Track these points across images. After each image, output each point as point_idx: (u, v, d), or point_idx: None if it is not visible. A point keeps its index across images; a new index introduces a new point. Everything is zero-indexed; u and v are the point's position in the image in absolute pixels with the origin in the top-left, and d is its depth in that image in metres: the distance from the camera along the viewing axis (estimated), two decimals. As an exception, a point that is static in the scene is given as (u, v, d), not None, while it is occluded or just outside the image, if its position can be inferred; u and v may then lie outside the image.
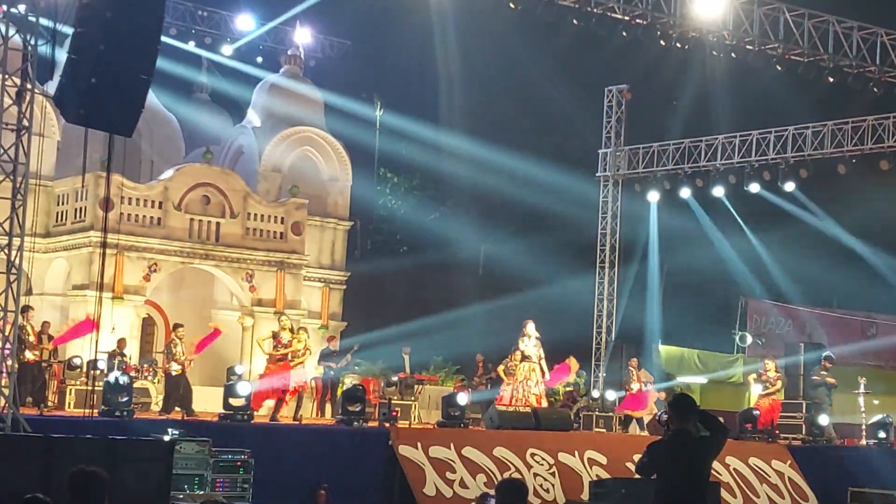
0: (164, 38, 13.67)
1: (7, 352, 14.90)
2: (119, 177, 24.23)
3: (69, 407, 18.91)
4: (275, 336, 20.61)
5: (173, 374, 20.24)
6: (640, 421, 23.56)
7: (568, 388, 26.18)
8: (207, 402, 20.47)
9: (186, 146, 31.08)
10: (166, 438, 13.97)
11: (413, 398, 23.00)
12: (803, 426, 23.27)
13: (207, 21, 32.71)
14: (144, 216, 25.85)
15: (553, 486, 18.12)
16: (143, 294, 25.71)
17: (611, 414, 23.59)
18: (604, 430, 22.46)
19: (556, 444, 18.79)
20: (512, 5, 23.38)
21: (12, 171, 14.90)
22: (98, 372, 18.55)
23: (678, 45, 24.76)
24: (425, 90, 37.42)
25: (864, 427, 24.43)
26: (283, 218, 27.69)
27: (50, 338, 20.64)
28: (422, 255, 38.46)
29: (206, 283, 27.95)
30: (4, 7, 15.62)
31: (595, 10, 23.77)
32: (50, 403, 19.05)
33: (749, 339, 33.68)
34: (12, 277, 14.80)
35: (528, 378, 21.37)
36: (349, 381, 22.77)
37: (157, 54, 11.94)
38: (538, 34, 32.05)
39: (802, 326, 35.09)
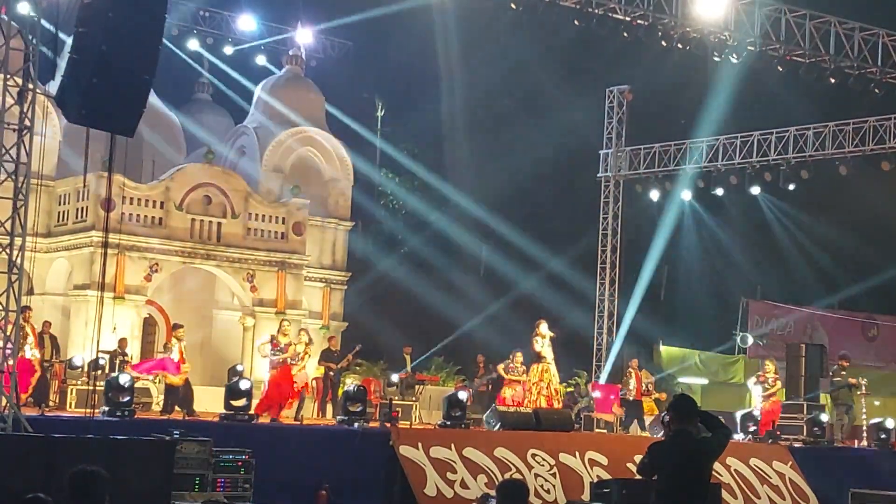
0: (165, 39, 13.67)
1: (9, 352, 14.89)
2: (120, 177, 24.23)
3: (70, 407, 18.92)
4: (272, 340, 20.60)
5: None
6: (641, 422, 23.55)
7: (569, 389, 26.20)
8: (208, 402, 20.48)
9: (188, 146, 31.09)
10: (167, 438, 13.97)
11: (414, 398, 23.01)
12: (804, 427, 23.25)
13: (209, 21, 32.73)
14: (146, 216, 25.86)
15: (554, 486, 18.11)
16: (145, 294, 25.72)
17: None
18: (605, 431, 22.45)
19: (556, 445, 18.77)
20: (513, 6, 23.40)
21: (14, 170, 14.90)
22: (99, 372, 18.55)
23: (679, 45, 24.77)
24: (426, 91, 37.41)
25: (865, 428, 24.44)
26: (284, 218, 27.70)
27: (52, 338, 20.65)
28: (423, 255, 38.44)
29: (208, 283, 27.96)
30: (6, 7, 15.61)
31: (596, 11, 23.79)
32: (51, 403, 19.06)
33: (750, 340, 33.70)
34: (14, 277, 14.81)
35: (541, 379, 21.31)
36: (350, 382, 22.77)
37: (159, 54, 11.95)
38: (539, 35, 32.01)
39: (804, 327, 35.11)
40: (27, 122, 15.02)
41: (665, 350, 32.19)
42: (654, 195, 31.93)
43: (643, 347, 30.26)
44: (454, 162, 39.66)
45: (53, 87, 14.41)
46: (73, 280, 25.89)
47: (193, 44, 32.14)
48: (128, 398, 16.88)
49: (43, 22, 15.29)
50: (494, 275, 40.03)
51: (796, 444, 22.40)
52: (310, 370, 22.58)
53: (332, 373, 23.04)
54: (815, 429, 23.07)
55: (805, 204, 33.91)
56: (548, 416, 20.12)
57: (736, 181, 29.23)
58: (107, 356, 20.31)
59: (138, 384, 19.28)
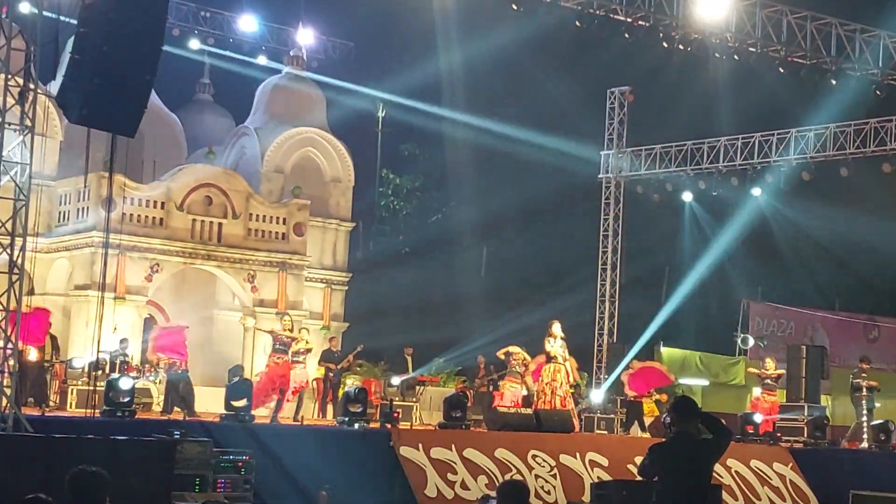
0: (166, 39, 13.66)
1: (9, 351, 14.89)
2: (121, 177, 24.24)
3: (71, 407, 18.92)
4: (273, 334, 20.57)
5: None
6: (641, 423, 23.55)
7: (570, 390, 26.15)
8: (209, 402, 20.48)
9: (189, 147, 31.10)
10: (168, 439, 13.96)
11: (415, 399, 23.01)
12: (805, 429, 23.24)
13: (210, 22, 32.73)
14: (146, 216, 25.86)
15: (554, 487, 18.10)
16: (145, 294, 25.72)
17: (612, 415, 23.58)
18: (605, 432, 22.44)
19: (557, 446, 18.76)
20: (514, 7, 23.38)
21: (15, 170, 14.90)
22: (100, 372, 18.55)
23: (681, 46, 24.76)
24: (428, 91, 37.41)
25: (865, 430, 24.41)
26: (285, 219, 27.70)
27: (53, 338, 20.64)
28: (424, 256, 38.44)
29: (208, 283, 27.96)
30: (7, 7, 15.61)
31: (597, 12, 23.78)
32: (52, 403, 19.06)
33: (751, 342, 33.69)
34: (14, 277, 14.80)
35: (554, 379, 21.27)
36: (351, 382, 22.77)
37: (160, 55, 11.95)
38: (541, 36, 32.03)
39: (804, 329, 35.11)
40: (28, 123, 15.01)
41: (666, 351, 32.16)
42: (656, 196, 31.92)
43: (644, 349, 30.17)
44: (455, 162, 39.67)
45: (55, 87, 14.41)
46: (73, 280, 25.89)
47: (195, 44, 32.15)
48: (128, 398, 16.87)
49: (44, 22, 15.28)
50: (495, 276, 40.06)
51: (797, 446, 22.39)
52: (310, 371, 22.58)
53: (331, 373, 23.03)
54: (816, 430, 23.07)
55: (806, 205, 33.89)
56: (548, 418, 20.12)
57: (737, 182, 29.23)
58: (107, 356, 20.29)
59: (138, 384, 19.29)
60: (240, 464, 14.67)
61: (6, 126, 14.93)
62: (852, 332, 35.71)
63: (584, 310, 31.43)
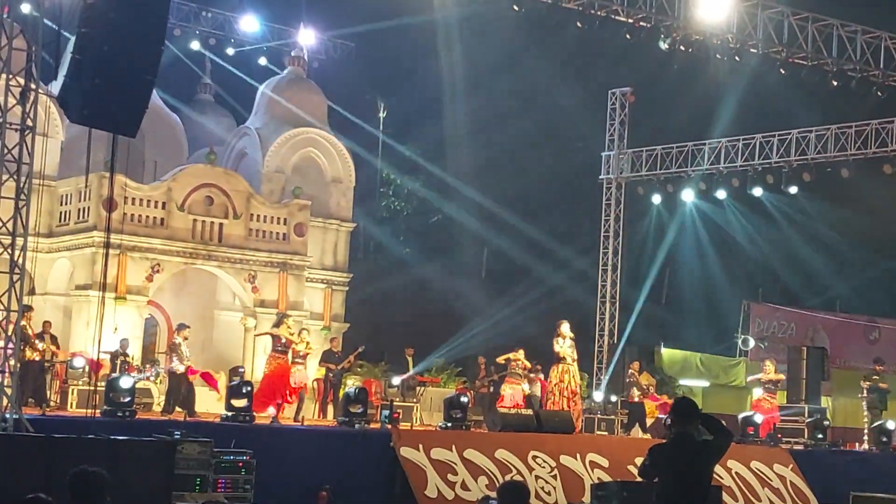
0: (167, 39, 13.67)
1: (10, 351, 14.89)
2: (122, 177, 24.24)
3: (71, 407, 18.92)
4: (273, 336, 20.57)
5: (177, 373, 20.28)
6: (642, 424, 23.55)
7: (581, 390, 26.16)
8: (209, 402, 20.49)
9: (190, 147, 31.09)
10: (168, 439, 13.97)
11: (415, 400, 23.01)
12: (805, 430, 23.25)
13: (211, 22, 32.76)
14: (147, 216, 25.86)
15: (554, 488, 18.11)
16: (146, 294, 25.72)
17: (613, 417, 23.58)
18: (606, 433, 22.44)
19: (557, 447, 18.77)
20: (515, 8, 23.38)
21: (16, 170, 14.90)
22: (100, 372, 18.55)
23: (682, 48, 24.76)
24: (429, 92, 37.42)
25: (866, 431, 24.42)
26: (285, 219, 27.70)
27: (53, 337, 20.64)
28: (424, 256, 38.45)
29: (209, 283, 27.96)
30: (8, 7, 15.61)
31: (598, 13, 23.79)
32: (52, 403, 19.06)
33: (751, 343, 33.69)
34: (15, 277, 14.81)
35: (562, 380, 21.25)
36: (351, 383, 22.77)
37: (161, 55, 11.94)
38: (542, 37, 32.04)
39: (805, 330, 35.11)
40: (29, 122, 15.02)
41: (666, 352, 32.17)
42: (657, 198, 31.93)
43: (644, 350, 30.19)
44: (456, 163, 39.66)
45: (56, 87, 14.40)
46: (74, 280, 25.89)
47: (196, 44, 32.16)
48: (129, 399, 16.88)
49: (45, 22, 15.29)
50: (496, 276, 40.07)
51: (797, 447, 22.40)
52: (311, 371, 22.59)
53: (332, 374, 23.04)
54: (816, 431, 23.07)
55: (807, 207, 33.91)
56: (549, 418, 20.13)
57: (738, 184, 29.22)
58: (108, 356, 20.30)
59: (139, 385, 19.29)
60: (240, 464, 14.69)
61: (7, 126, 14.94)
62: (853, 334, 35.72)
63: (585, 310, 31.44)
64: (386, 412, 19.42)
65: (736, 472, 19.97)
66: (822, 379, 25.43)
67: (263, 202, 27.72)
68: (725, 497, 18.51)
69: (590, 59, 33.73)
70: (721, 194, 30.54)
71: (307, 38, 32.79)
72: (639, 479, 9.93)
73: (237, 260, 26.89)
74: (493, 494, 14.67)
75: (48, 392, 19.58)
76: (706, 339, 35.77)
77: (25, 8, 16.13)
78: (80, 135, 15.92)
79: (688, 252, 37.03)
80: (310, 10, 33.57)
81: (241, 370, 22.44)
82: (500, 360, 22.88)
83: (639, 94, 31.45)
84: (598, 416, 23.45)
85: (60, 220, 26.33)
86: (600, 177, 31.84)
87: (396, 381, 22.88)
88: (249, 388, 18.32)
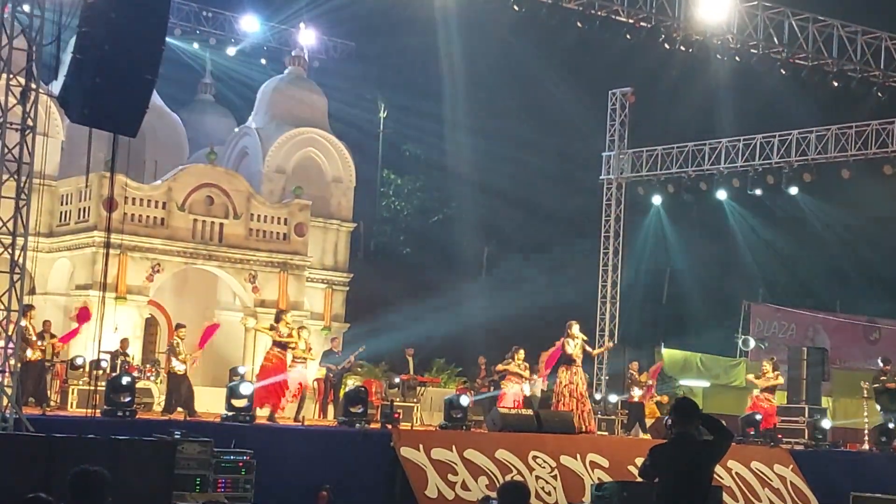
0: (168, 39, 13.66)
1: (10, 351, 14.89)
2: (123, 177, 24.24)
3: (72, 407, 18.92)
4: (273, 328, 20.58)
5: (177, 373, 20.27)
6: (642, 424, 23.55)
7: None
8: (210, 402, 20.47)
9: (190, 147, 31.10)
10: (168, 439, 13.96)
11: (415, 400, 23.01)
12: (805, 430, 23.25)
13: (212, 22, 32.79)
14: (148, 216, 25.86)
15: (555, 488, 18.11)
16: (147, 294, 25.72)
17: (613, 417, 23.57)
18: (606, 433, 22.44)
19: (558, 447, 18.77)
20: (516, 8, 23.39)
21: (16, 170, 14.90)
22: (101, 372, 18.55)
23: (682, 48, 24.76)
24: (429, 92, 37.44)
25: (866, 431, 24.42)
26: (286, 219, 27.70)
27: (52, 336, 20.64)
28: (425, 256, 38.47)
29: (210, 283, 27.96)
30: (9, 6, 15.61)
31: (599, 13, 23.79)
32: (52, 403, 19.06)
33: (752, 343, 33.69)
34: (16, 277, 14.81)
35: (571, 381, 21.22)
36: (351, 383, 22.77)
37: (162, 55, 11.94)
38: (542, 37, 32.04)
39: (805, 330, 35.11)
40: (30, 122, 15.02)
41: (667, 353, 32.16)
42: (657, 198, 31.94)
43: (645, 350, 30.21)
44: (456, 163, 39.69)
45: (56, 86, 14.40)
46: (75, 280, 25.89)
47: (196, 44, 32.17)
48: (129, 398, 16.88)
49: (46, 21, 15.29)
50: (496, 276, 40.08)
51: (797, 448, 22.39)
52: (311, 371, 22.57)
53: (332, 374, 23.03)
54: (817, 432, 23.07)
55: (807, 207, 33.92)
56: (549, 418, 20.12)
57: (738, 184, 29.23)
58: (108, 356, 20.30)
59: (139, 384, 19.29)
60: (240, 464, 14.68)
61: (8, 125, 14.94)
62: (853, 334, 35.71)
63: (585, 311, 31.45)
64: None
65: (736, 473, 19.97)
66: (823, 379, 25.42)
67: (264, 202, 27.72)
68: (726, 497, 18.50)
69: (590, 59, 33.70)
70: (721, 194, 30.56)
71: (307, 37, 32.80)
72: (639, 479, 9.93)
73: (237, 260, 26.89)
74: (494, 494, 14.66)
75: (49, 392, 19.58)
76: (706, 339, 35.76)
77: (26, 7, 16.12)
78: (81, 134, 15.89)
79: (688, 252, 37.05)
80: (310, 9, 33.59)
81: (241, 370, 22.45)
82: (499, 368, 22.85)
83: (639, 94, 31.46)
84: (599, 416, 23.46)
85: (61, 220, 26.33)
86: (601, 177, 31.84)
87: (397, 381, 22.91)
88: (250, 388, 18.31)
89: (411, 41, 34.98)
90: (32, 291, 23.82)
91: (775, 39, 25.04)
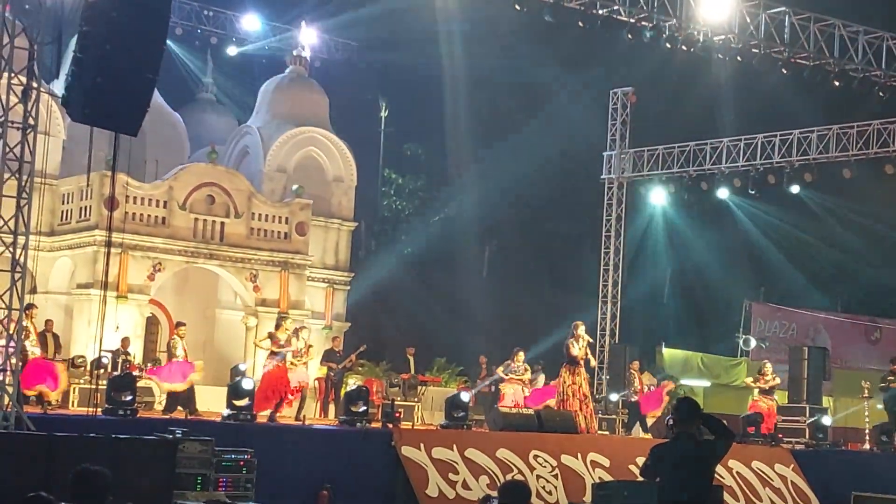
0: (169, 38, 13.67)
1: (11, 350, 14.90)
2: (124, 176, 24.23)
3: (73, 406, 18.93)
4: (271, 337, 20.58)
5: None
6: (643, 423, 23.55)
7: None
8: (211, 401, 20.48)
9: (191, 146, 31.11)
10: (169, 438, 13.97)
11: (416, 399, 23.01)
12: (806, 430, 23.25)
13: (213, 21, 32.79)
14: (149, 215, 25.86)
15: (555, 488, 18.12)
16: (148, 293, 25.72)
17: (614, 416, 23.57)
18: (607, 433, 22.45)
19: (558, 447, 18.78)
20: (517, 7, 23.37)
21: (18, 169, 14.91)
22: (102, 371, 18.56)
23: (683, 48, 24.74)
24: (430, 92, 37.43)
25: (867, 431, 24.41)
26: (287, 218, 27.70)
27: (54, 336, 20.65)
28: (426, 256, 38.46)
29: (211, 282, 27.96)
30: (10, 5, 15.62)
31: (600, 13, 23.76)
32: (54, 402, 19.06)
33: (753, 343, 33.69)
34: (17, 276, 14.82)
35: (574, 382, 21.21)
36: (352, 382, 22.77)
37: (163, 54, 11.95)
38: (543, 36, 32.05)
39: (806, 330, 35.10)
40: (31, 121, 15.03)
41: (667, 352, 32.15)
42: (658, 197, 31.93)
43: (645, 350, 30.20)
44: (457, 163, 39.69)
45: (58, 85, 14.43)
46: (76, 279, 25.90)
47: (197, 43, 32.17)
48: (130, 397, 16.88)
49: (47, 20, 15.30)
50: (497, 276, 40.08)
51: (798, 447, 22.40)
52: (312, 370, 22.57)
53: (332, 373, 23.03)
54: (818, 432, 23.07)
55: (808, 207, 33.92)
56: (550, 418, 20.12)
57: (739, 183, 29.22)
58: (109, 355, 20.30)
59: (141, 383, 19.29)
60: (241, 463, 14.68)
61: (9, 124, 14.95)
62: (854, 334, 35.71)
63: (586, 310, 31.45)
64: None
65: (737, 472, 19.98)
66: (824, 379, 25.42)
67: (265, 201, 27.73)
68: (727, 497, 18.52)
69: (591, 58, 33.71)
70: (723, 194, 30.56)
71: (309, 36, 32.79)
72: (640, 478, 9.93)
73: (238, 259, 26.89)
74: (495, 494, 14.65)
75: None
76: (707, 338, 35.77)
77: (27, 6, 16.13)
78: (82, 133, 15.89)
79: (689, 251, 37.04)
80: (311, 8, 33.60)
81: (241, 369, 22.45)
82: (499, 370, 22.88)
83: (640, 93, 31.45)
84: (599, 415, 23.45)
85: (62, 219, 26.34)
86: (602, 176, 31.83)
87: (398, 379, 22.95)
88: (251, 387, 18.32)
89: (413, 40, 34.96)
90: (33, 290, 23.83)
91: (776, 39, 25.01)
